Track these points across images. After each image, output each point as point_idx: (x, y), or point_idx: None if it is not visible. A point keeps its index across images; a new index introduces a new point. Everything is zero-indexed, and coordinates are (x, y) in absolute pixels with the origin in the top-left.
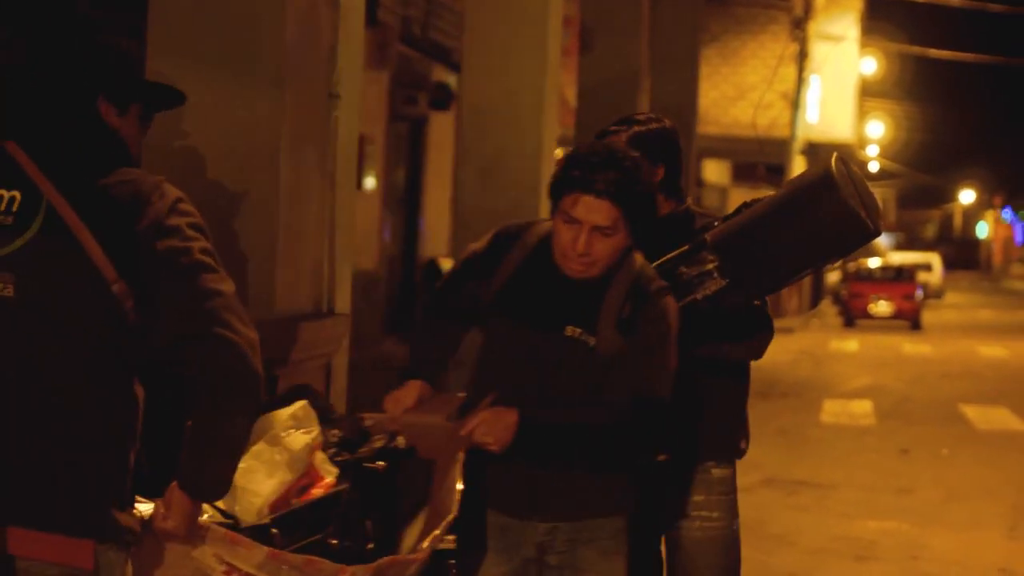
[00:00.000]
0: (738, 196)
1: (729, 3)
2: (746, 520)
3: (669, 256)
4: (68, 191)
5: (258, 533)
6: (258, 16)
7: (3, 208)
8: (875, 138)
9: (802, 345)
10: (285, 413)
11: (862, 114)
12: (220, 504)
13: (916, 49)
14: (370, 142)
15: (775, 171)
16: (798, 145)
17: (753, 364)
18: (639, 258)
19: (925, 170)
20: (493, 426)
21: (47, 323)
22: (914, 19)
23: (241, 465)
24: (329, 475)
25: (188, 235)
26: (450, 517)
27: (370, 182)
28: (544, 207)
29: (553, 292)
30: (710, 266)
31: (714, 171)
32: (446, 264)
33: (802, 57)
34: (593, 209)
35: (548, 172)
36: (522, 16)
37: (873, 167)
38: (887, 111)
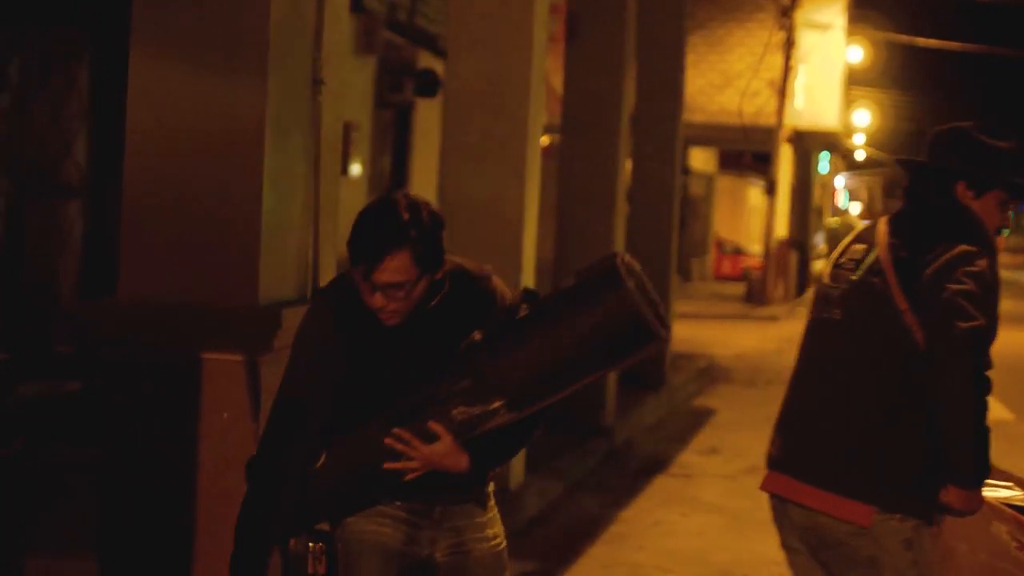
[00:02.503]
0: (724, 184)
1: None
2: (732, 508)
3: (441, 386)
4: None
5: None
6: (242, 1)
7: (856, 258)
8: (861, 127)
9: (787, 333)
10: None
11: (848, 103)
12: None
13: (903, 38)
14: (356, 129)
15: (761, 159)
16: (784, 133)
17: (738, 353)
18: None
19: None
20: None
21: (864, 343)
22: (901, 8)
23: None
24: None
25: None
26: None
27: (356, 169)
28: (531, 194)
29: None
30: (496, 405)
31: (701, 159)
32: None
33: (789, 45)
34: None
35: (535, 159)
36: (508, 2)
37: (860, 155)
38: (874, 100)
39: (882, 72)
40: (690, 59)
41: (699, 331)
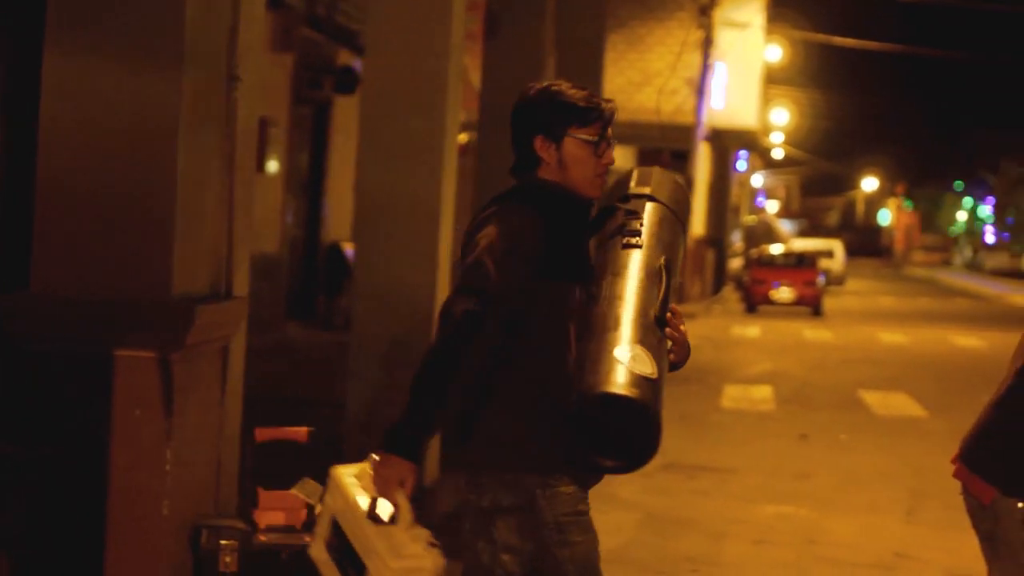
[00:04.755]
0: None
1: None
2: (647, 505)
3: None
4: None
5: None
6: None
7: None
8: (779, 125)
9: (704, 331)
10: None
11: (767, 101)
12: None
13: (820, 37)
14: (273, 125)
15: (680, 157)
16: (703, 131)
17: None
18: None
19: (829, 157)
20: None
21: None
22: (819, 7)
23: None
24: None
25: None
26: None
27: (273, 166)
28: (448, 191)
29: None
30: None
31: (619, 156)
32: (349, 248)
33: (707, 44)
34: None
35: (452, 157)
36: (426, 0)
37: (777, 154)
38: (792, 98)
39: (800, 71)
40: (610, 57)
41: None
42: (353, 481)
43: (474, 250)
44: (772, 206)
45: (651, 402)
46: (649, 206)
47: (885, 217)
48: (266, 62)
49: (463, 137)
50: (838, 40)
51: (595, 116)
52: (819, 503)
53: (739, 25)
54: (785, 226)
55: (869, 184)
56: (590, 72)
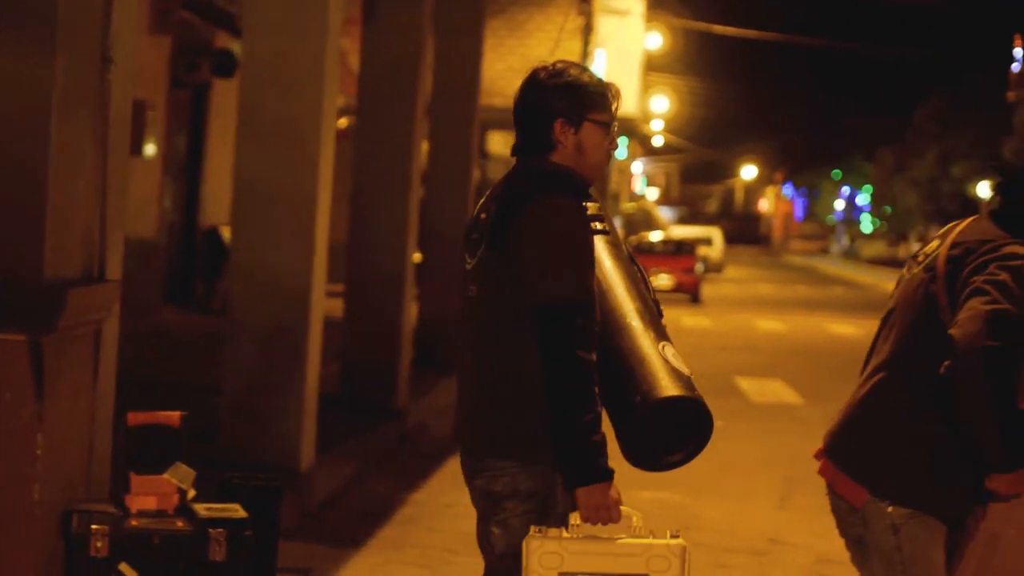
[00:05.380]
0: None
1: None
2: None
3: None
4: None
5: None
6: None
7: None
8: (659, 113)
9: None
10: None
11: (647, 88)
12: None
13: (700, 25)
14: (151, 108)
15: None
16: None
17: None
18: None
19: (708, 145)
20: None
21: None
22: None
23: None
24: None
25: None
26: None
27: (150, 149)
28: (325, 176)
29: None
30: None
31: (500, 143)
32: (227, 232)
33: (587, 31)
34: None
35: (329, 142)
36: None
37: (657, 141)
38: (671, 86)
39: (680, 59)
40: (490, 43)
41: None
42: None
43: (551, 258)
44: (652, 193)
45: (702, 398)
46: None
47: (764, 205)
48: (143, 44)
49: (343, 122)
50: (717, 28)
51: (608, 101)
52: (695, 489)
53: (619, 12)
54: (664, 213)
55: (748, 172)
56: (469, 57)
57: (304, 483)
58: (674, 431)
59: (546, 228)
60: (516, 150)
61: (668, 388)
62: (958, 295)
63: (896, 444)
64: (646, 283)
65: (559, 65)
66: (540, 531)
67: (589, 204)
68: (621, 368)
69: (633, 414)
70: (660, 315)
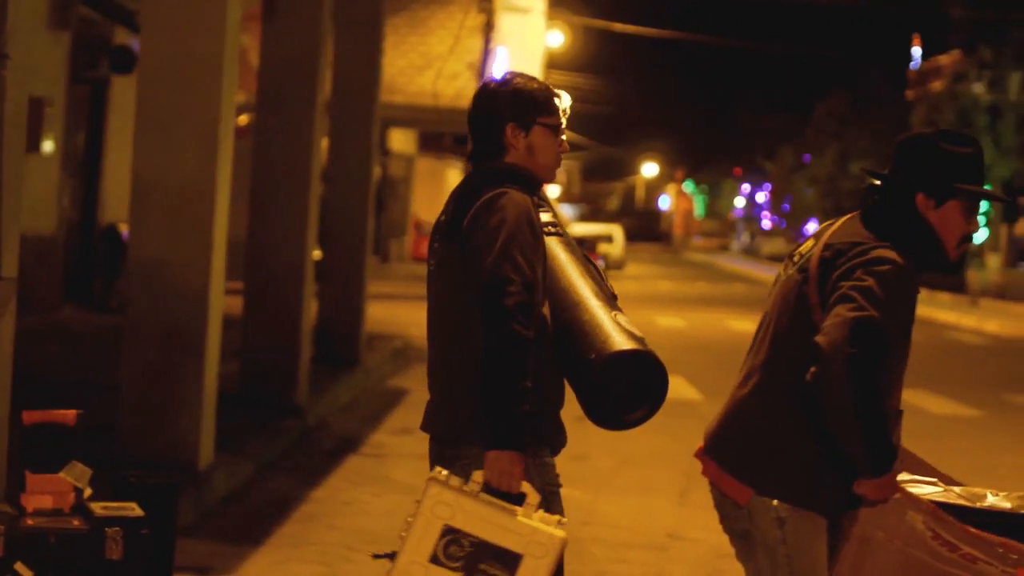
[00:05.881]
0: (424, 165)
1: None
2: (422, 487)
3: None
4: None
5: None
6: None
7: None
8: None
9: None
10: None
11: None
12: None
13: (600, 23)
14: (49, 105)
15: (461, 141)
16: None
17: (418, 333)
18: None
19: (610, 143)
20: None
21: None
22: None
23: None
24: None
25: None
26: None
27: (48, 146)
28: (224, 172)
29: None
30: None
31: (401, 140)
32: (126, 229)
33: (488, 28)
34: None
35: (228, 138)
36: None
37: None
38: (573, 84)
39: (581, 57)
40: (391, 40)
41: (396, 312)
42: (458, 486)
43: (497, 241)
44: (553, 190)
45: (655, 354)
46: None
47: (665, 202)
48: (41, 40)
49: (243, 119)
50: (618, 26)
51: (556, 106)
52: (595, 485)
53: (520, 10)
54: (566, 211)
55: (649, 169)
56: (369, 54)
57: (203, 481)
58: (631, 389)
59: (494, 213)
60: (472, 156)
61: (621, 343)
62: (828, 298)
63: (775, 444)
64: (602, 276)
65: (507, 75)
66: (444, 476)
67: (543, 209)
68: (577, 335)
69: (590, 371)
70: (615, 298)
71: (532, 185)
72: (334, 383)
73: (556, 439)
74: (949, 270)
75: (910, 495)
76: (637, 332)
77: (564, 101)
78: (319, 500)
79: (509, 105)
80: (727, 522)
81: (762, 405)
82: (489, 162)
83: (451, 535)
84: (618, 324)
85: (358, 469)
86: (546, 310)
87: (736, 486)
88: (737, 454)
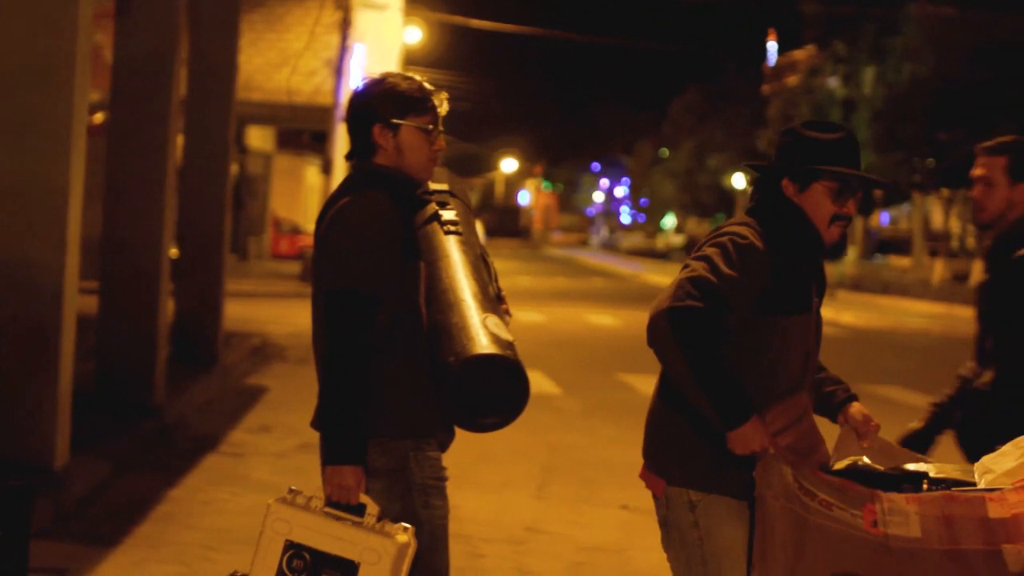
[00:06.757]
0: (283, 163)
1: None
2: (283, 486)
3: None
4: None
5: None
6: None
7: None
8: None
9: None
10: None
11: None
12: None
13: (458, 19)
14: None
15: (320, 138)
16: (341, 112)
17: (293, 331)
18: None
19: (469, 139)
20: None
21: None
22: None
23: None
24: None
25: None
26: None
27: None
28: (76, 171)
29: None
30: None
31: (259, 138)
32: None
33: (346, 25)
34: None
35: (80, 136)
36: None
37: None
38: (431, 80)
39: (439, 53)
40: (248, 37)
41: (254, 310)
42: (303, 503)
43: (340, 251)
44: None
45: (519, 361)
46: (452, 200)
47: (524, 198)
48: None
49: (97, 117)
50: (475, 22)
51: (429, 106)
52: (452, 480)
53: (377, 6)
54: None
55: (508, 165)
56: (225, 51)
57: (59, 482)
58: (490, 394)
59: (346, 220)
60: (347, 156)
61: (483, 347)
62: None
63: (673, 433)
64: (491, 277)
65: (382, 74)
66: (291, 495)
67: (448, 206)
68: (444, 336)
69: (448, 373)
70: (502, 302)
71: (403, 188)
72: (192, 382)
73: (441, 434)
74: (827, 253)
75: (779, 448)
76: (505, 337)
77: (441, 101)
78: (177, 500)
79: (378, 105)
80: (656, 510)
81: (660, 397)
82: (360, 163)
83: (292, 549)
84: (486, 328)
85: (216, 468)
86: (425, 308)
87: (652, 478)
88: (649, 447)
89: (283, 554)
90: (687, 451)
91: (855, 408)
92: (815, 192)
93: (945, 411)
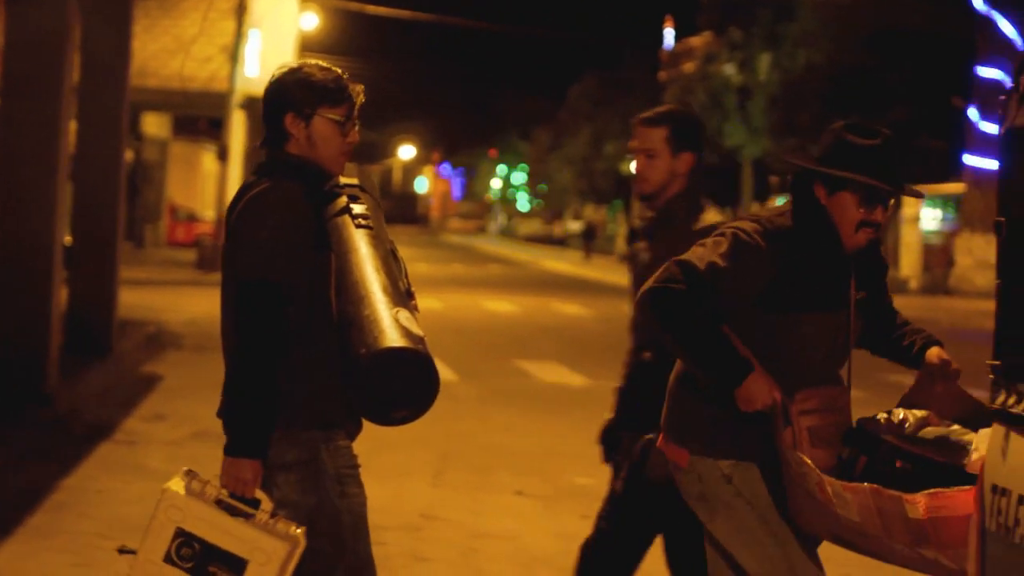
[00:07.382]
0: (179, 149)
1: None
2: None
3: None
4: None
5: None
6: None
7: None
8: None
9: None
10: None
11: None
12: None
13: (354, 5)
14: None
15: (216, 125)
16: (237, 99)
17: (189, 319)
18: None
19: (366, 126)
20: None
21: None
22: None
23: None
24: None
25: None
26: None
27: None
28: None
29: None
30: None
31: (155, 124)
32: None
33: (241, 11)
34: None
35: None
36: None
37: None
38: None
39: (335, 39)
40: (143, 24)
41: (150, 297)
42: (199, 490)
43: (251, 242)
44: None
45: (429, 354)
46: (363, 195)
47: (422, 184)
48: None
49: None
50: (371, 8)
51: (344, 98)
52: None
53: None
54: None
55: (406, 152)
56: (117, 38)
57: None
58: (400, 387)
59: (259, 210)
60: (261, 144)
61: (393, 340)
62: None
63: (691, 406)
64: (402, 272)
65: (300, 63)
66: (186, 476)
67: (359, 200)
68: (354, 329)
69: (358, 365)
70: (411, 297)
71: (315, 178)
72: (86, 370)
73: (348, 423)
74: (845, 259)
75: (795, 419)
76: (416, 331)
77: (358, 94)
78: (70, 488)
79: (291, 93)
80: (682, 488)
81: (675, 374)
82: (272, 151)
83: (183, 537)
84: (396, 321)
85: (110, 456)
86: (335, 300)
87: (673, 448)
88: (669, 419)
89: (172, 540)
90: (706, 422)
91: (932, 352)
92: (843, 197)
93: None
